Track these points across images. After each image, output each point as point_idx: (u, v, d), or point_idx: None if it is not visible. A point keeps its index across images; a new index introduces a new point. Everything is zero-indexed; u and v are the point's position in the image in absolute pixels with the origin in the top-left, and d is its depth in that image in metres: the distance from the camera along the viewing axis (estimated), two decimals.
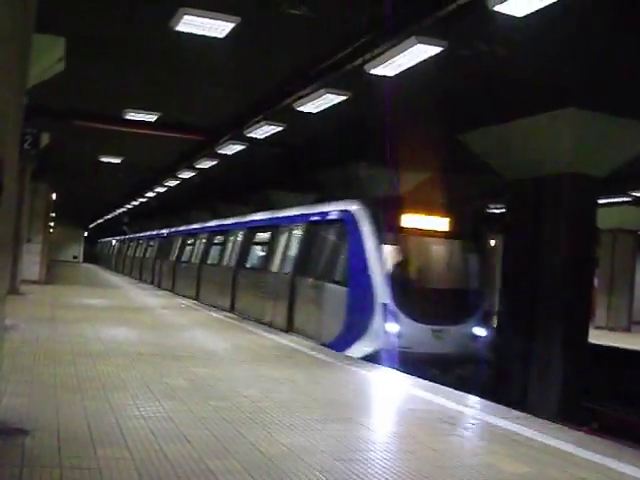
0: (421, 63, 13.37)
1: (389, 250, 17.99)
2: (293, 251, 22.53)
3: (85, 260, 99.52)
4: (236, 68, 17.05)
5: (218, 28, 13.14)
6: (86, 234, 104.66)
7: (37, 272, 35.47)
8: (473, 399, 11.82)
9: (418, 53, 12.88)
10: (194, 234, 38.28)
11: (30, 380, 10.68)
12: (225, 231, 32.15)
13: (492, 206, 38.09)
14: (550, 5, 10.50)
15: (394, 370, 14.62)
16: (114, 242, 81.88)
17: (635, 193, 31.09)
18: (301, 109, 17.67)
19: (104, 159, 32.21)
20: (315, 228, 21.00)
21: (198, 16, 12.66)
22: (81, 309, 23.62)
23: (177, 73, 17.90)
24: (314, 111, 17.75)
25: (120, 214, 68.19)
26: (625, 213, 36.06)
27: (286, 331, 20.39)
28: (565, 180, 18.52)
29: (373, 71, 13.91)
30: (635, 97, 15.67)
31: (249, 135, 22.08)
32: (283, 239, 23.65)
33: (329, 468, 7.24)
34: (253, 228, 28.01)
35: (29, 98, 13.41)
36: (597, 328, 36.44)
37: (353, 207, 18.71)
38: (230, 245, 30.83)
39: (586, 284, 20.09)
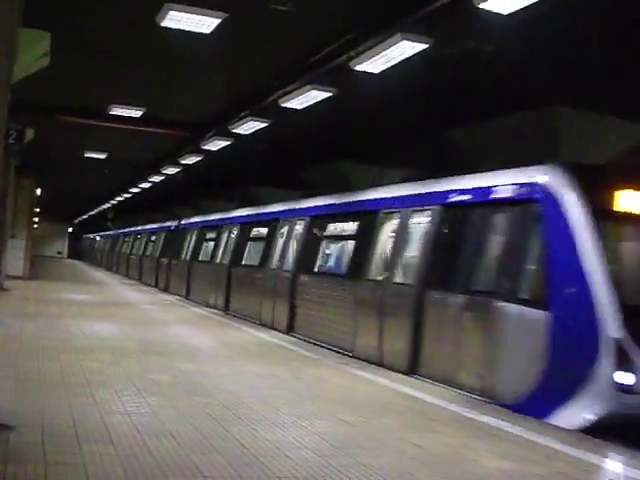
0: (408, 59, 13.37)
1: (619, 250, 12.21)
2: (412, 249, 15.56)
3: (70, 256, 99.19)
4: (222, 64, 17.02)
5: (204, 24, 13.09)
6: (71, 230, 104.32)
7: (21, 268, 35.43)
8: (457, 396, 11.82)
9: (404, 50, 12.88)
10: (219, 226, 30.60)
11: (15, 376, 10.68)
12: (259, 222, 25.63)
13: None
14: (535, 3, 10.51)
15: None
16: (98, 238, 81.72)
17: None
18: (286, 105, 17.64)
19: (89, 155, 32.08)
20: (460, 213, 14.34)
21: (184, 12, 12.61)
22: (65, 305, 23.59)
23: (163, 69, 17.85)
24: (299, 107, 17.72)
25: (105, 210, 67.97)
26: None
27: (406, 373, 13.91)
28: None
29: (358, 67, 13.88)
30: (618, 95, 15.71)
31: (234, 131, 22.02)
32: (388, 231, 16.71)
33: (313, 464, 7.26)
34: (319, 217, 20.89)
35: (14, 93, 13.37)
36: None
37: (551, 178, 12.05)
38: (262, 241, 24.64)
39: None
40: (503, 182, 12.98)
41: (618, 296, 10.58)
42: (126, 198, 51.81)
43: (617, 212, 11.77)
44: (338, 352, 16.32)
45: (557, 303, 11.01)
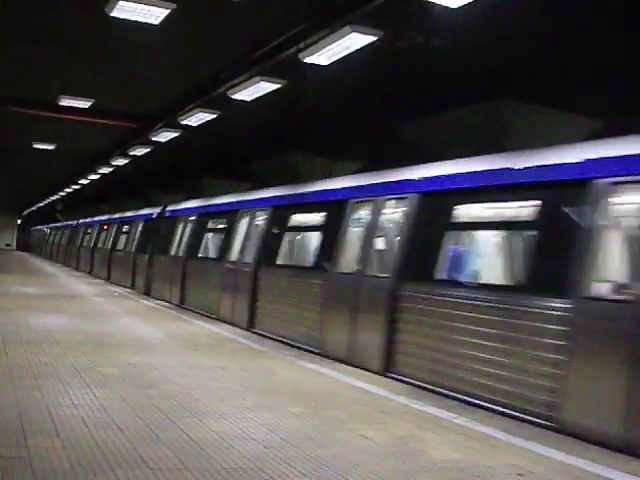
0: (356, 52, 13.40)
1: None
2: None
3: (18, 248, 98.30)
4: (171, 55, 16.96)
5: (153, 14, 13.02)
6: (19, 222, 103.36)
7: None
8: (406, 387, 11.90)
9: (353, 42, 12.91)
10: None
11: None
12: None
13: None
14: None
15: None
16: (47, 230, 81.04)
17: None
18: (235, 97, 17.62)
19: (37, 146, 31.82)
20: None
21: (133, 2, 12.53)
22: (13, 297, 23.41)
23: (112, 59, 17.74)
24: (248, 99, 17.70)
25: (54, 201, 67.45)
26: None
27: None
28: None
29: (308, 60, 13.90)
30: (563, 89, 15.85)
31: (183, 122, 21.97)
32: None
33: (259, 455, 7.28)
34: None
35: None
36: None
37: None
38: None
39: None
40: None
41: None
42: (75, 190, 51.46)
43: None
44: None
45: None
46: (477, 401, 10.71)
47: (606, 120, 15.84)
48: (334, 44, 12.97)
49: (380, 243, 15.02)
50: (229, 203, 23.24)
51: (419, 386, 11.85)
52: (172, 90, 20.57)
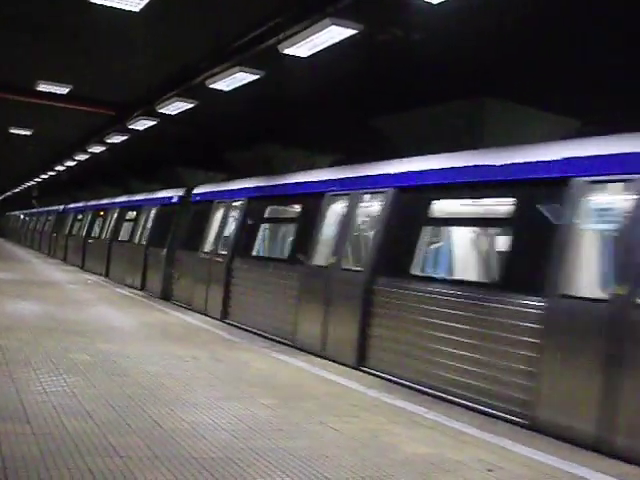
0: (336, 45, 13.39)
1: None
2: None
3: None
4: (150, 43, 16.87)
5: (134, 2, 12.95)
6: None
7: None
8: (377, 381, 11.92)
9: (332, 35, 12.89)
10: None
11: None
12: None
13: None
14: None
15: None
16: (22, 216, 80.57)
17: None
18: (213, 87, 17.56)
19: (14, 131, 31.63)
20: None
21: None
22: None
23: (90, 46, 17.62)
24: (225, 89, 17.64)
25: (30, 187, 67.03)
26: None
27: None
28: None
29: (287, 51, 13.86)
30: (544, 89, 15.89)
31: (160, 111, 21.88)
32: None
33: (229, 445, 7.28)
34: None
35: None
36: None
37: None
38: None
39: None
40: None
41: None
42: (51, 176, 51.20)
43: None
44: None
45: None
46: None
47: (586, 119, 15.87)
48: (314, 36, 12.93)
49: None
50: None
51: (392, 380, 11.87)
52: (150, 78, 20.45)
